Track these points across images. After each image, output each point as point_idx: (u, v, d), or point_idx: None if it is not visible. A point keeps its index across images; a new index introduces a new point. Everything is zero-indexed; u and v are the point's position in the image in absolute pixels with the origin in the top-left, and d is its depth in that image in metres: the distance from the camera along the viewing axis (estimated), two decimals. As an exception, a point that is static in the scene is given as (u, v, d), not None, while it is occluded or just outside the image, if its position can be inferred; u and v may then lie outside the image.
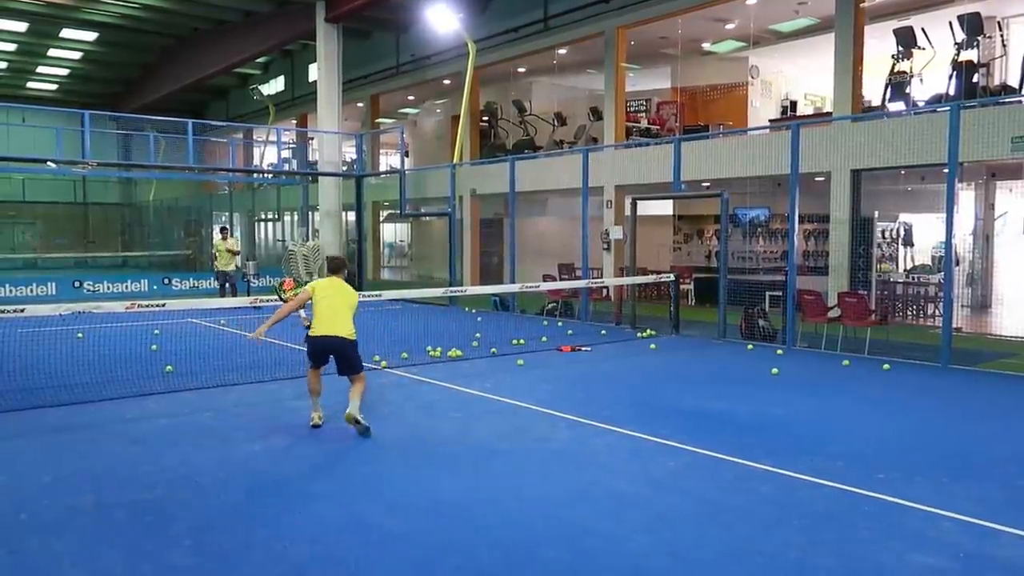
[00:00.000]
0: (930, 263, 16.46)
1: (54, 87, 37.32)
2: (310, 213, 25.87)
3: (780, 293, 12.86)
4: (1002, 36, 14.88)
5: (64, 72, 34.77)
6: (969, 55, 13.60)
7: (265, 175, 28.21)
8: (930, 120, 12.29)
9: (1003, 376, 9.48)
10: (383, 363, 9.80)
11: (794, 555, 4.19)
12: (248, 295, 17.36)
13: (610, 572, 3.98)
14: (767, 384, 8.91)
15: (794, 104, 21.96)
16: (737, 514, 4.79)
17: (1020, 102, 12.52)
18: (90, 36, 29.10)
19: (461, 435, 6.68)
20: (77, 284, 20.53)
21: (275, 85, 32.91)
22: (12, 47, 30.56)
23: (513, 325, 14.14)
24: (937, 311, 14.22)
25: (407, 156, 25.52)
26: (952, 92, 13.45)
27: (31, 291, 19.95)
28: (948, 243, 10.16)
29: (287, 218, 30.79)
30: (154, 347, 11.25)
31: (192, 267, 28.29)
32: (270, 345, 11.55)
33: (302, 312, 7.31)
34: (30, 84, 36.34)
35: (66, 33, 28.57)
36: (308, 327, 7.13)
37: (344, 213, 23.71)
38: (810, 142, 13.15)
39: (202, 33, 28.31)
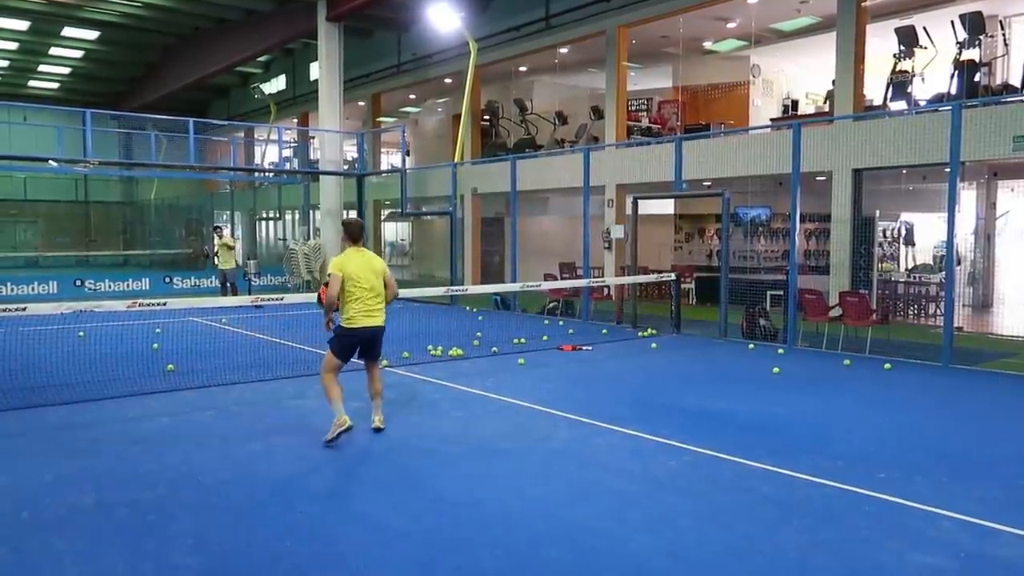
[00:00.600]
0: (931, 262, 16.43)
1: (56, 86, 37.34)
2: (311, 212, 25.89)
3: (781, 292, 12.86)
4: (1004, 35, 14.84)
5: (66, 71, 34.79)
6: (971, 54, 13.58)
7: (266, 174, 28.20)
8: (932, 119, 12.26)
9: (1004, 376, 9.48)
10: (384, 362, 9.77)
11: (794, 555, 4.19)
12: (249, 294, 17.40)
13: (611, 571, 3.99)
14: (768, 384, 8.90)
15: (795, 103, 21.93)
16: (737, 514, 4.80)
17: (1022, 101, 12.50)
18: (92, 35, 29.12)
19: (462, 434, 6.69)
20: (78, 283, 20.58)
21: (276, 84, 32.90)
22: (14, 46, 30.57)
23: (514, 324, 14.15)
24: (938, 311, 14.21)
25: (408, 155, 25.52)
26: (954, 91, 13.42)
27: (32, 290, 20.00)
28: (949, 242, 10.14)
29: (288, 217, 30.82)
30: (155, 346, 11.26)
31: (197, 266, 28.27)
32: (270, 344, 11.57)
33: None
34: (32, 83, 36.34)
35: (68, 32, 28.58)
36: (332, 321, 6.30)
37: (345, 212, 23.69)
38: (811, 141, 13.13)
39: (203, 32, 28.33)
